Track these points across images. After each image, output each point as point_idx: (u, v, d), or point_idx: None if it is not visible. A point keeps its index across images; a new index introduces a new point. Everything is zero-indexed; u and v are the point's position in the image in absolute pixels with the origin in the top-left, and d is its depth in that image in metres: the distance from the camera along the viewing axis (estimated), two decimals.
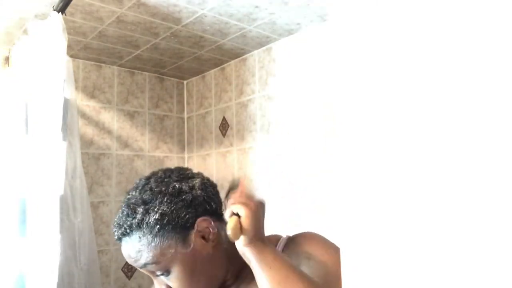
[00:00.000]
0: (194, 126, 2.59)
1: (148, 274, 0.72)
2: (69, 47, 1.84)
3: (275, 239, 0.78)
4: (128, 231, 0.70)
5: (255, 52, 2.15)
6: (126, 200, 0.74)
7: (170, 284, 0.71)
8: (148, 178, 0.76)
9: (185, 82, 2.67)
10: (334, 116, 0.31)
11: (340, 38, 0.32)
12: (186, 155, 2.61)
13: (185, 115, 2.65)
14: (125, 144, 2.35)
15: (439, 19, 0.26)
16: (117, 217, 0.73)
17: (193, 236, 0.69)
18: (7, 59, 1.96)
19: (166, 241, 0.68)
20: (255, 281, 0.68)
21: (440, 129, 0.26)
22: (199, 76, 2.56)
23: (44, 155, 1.40)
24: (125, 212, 0.71)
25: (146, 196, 0.71)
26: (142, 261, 0.69)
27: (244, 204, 0.66)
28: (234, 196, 0.70)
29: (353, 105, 0.31)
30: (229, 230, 0.64)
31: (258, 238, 0.65)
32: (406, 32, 0.28)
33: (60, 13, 1.41)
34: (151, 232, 0.68)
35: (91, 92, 2.24)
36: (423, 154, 0.26)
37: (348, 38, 0.31)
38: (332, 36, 0.32)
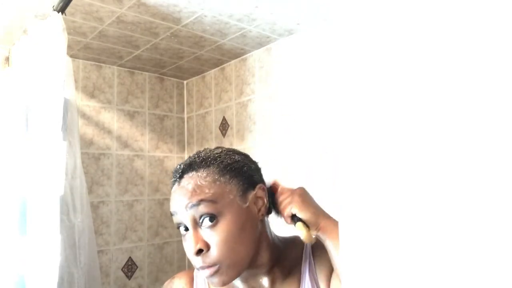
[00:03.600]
0: (194, 126, 2.59)
1: (191, 222, 0.68)
2: (69, 47, 1.85)
3: (300, 241, 0.76)
4: (196, 165, 0.71)
5: (255, 52, 2.15)
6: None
7: (212, 238, 0.66)
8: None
9: (185, 82, 2.67)
10: (334, 116, 0.31)
11: (340, 37, 0.32)
12: (186, 155, 2.61)
13: (185, 115, 2.65)
14: (125, 144, 2.35)
15: (442, 20, 0.26)
16: (185, 160, 0.76)
17: (251, 197, 0.72)
18: (7, 59, 1.96)
19: (230, 185, 0.70)
20: (288, 278, 0.74)
21: (442, 130, 0.26)
22: (199, 76, 2.56)
23: (44, 155, 1.40)
24: (197, 154, 0.75)
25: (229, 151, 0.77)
26: (200, 196, 0.67)
27: (291, 200, 0.72)
28: (281, 197, 0.75)
29: (353, 105, 0.31)
30: (303, 237, 0.69)
31: (322, 219, 0.71)
32: (408, 32, 0.28)
33: (60, 13, 1.41)
34: (221, 171, 0.70)
35: (91, 92, 2.24)
36: (423, 154, 0.26)
37: (349, 37, 0.31)
38: (333, 36, 0.32)
